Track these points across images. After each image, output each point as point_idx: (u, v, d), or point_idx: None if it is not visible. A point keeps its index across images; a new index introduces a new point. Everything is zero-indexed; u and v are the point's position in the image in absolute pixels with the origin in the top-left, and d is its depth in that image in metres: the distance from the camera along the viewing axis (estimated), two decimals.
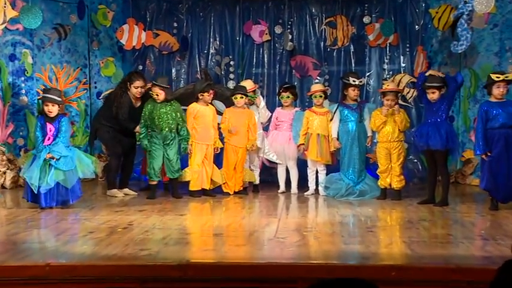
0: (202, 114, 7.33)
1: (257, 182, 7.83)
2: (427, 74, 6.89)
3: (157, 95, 7.14)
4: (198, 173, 7.28)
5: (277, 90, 8.50)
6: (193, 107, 7.36)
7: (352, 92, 7.42)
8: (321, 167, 7.55)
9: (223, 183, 7.52)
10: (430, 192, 6.76)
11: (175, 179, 7.22)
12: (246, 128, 7.53)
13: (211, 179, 7.39)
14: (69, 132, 6.81)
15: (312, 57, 9.23)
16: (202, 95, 7.35)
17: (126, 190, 7.47)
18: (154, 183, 7.18)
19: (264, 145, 7.71)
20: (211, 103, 7.56)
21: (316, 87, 7.75)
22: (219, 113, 7.81)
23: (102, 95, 8.93)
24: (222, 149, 7.52)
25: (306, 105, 8.11)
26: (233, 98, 7.51)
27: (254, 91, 7.83)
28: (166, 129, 7.11)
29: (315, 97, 7.56)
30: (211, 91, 7.40)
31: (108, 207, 6.48)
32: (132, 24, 8.88)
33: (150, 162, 7.15)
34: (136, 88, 7.39)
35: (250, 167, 7.78)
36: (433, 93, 6.63)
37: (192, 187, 7.31)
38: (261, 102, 7.84)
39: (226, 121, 7.48)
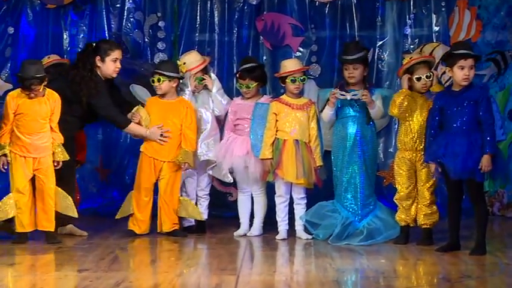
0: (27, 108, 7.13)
1: (204, 217, 7.87)
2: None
3: None
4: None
5: (234, 71, 8.62)
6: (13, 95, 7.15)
7: (346, 73, 7.52)
8: (299, 194, 7.58)
9: (130, 215, 7.59)
10: (453, 234, 6.90)
11: None
12: (178, 131, 7.58)
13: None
14: None
15: (291, 17, 9.28)
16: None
17: (70, 227, 7.69)
18: None
19: (220, 157, 7.77)
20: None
21: (292, 64, 7.69)
22: (141, 103, 7.94)
23: None
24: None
25: (282, 92, 8.09)
26: (150, 81, 7.63)
27: (205, 68, 7.89)
28: None
29: (292, 81, 7.55)
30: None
31: None
32: None
33: None
34: (114, 61, 7.61)
35: (197, 194, 7.84)
36: (471, 68, 6.69)
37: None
38: (215, 83, 7.88)
39: (144, 118, 7.52)
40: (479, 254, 6.63)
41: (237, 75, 7.89)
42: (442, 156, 6.69)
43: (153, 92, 7.87)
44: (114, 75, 7.69)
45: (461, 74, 6.64)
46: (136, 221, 7.56)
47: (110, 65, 7.63)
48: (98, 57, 7.61)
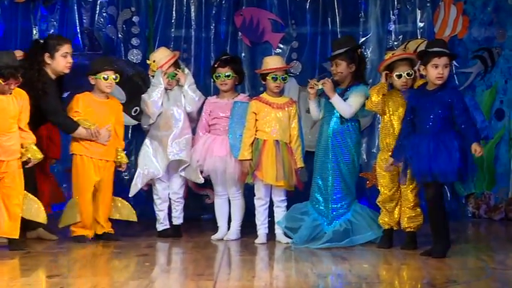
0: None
1: (178, 221, 7.88)
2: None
3: None
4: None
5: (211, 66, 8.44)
6: None
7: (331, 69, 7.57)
8: (279, 196, 7.57)
9: (75, 224, 7.51)
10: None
11: None
12: (113, 129, 7.59)
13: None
14: None
15: (271, 12, 9.30)
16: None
17: (39, 231, 7.65)
18: None
19: (192, 159, 7.76)
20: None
21: (274, 61, 7.67)
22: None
23: None
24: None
25: (261, 90, 8.11)
26: (99, 76, 7.49)
27: (176, 63, 7.85)
28: None
29: (273, 79, 7.52)
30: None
31: None
32: None
33: None
34: (64, 57, 7.54)
35: (170, 197, 7.82)
36: (445, 66, 6.68)
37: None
38: (188, 78, 7.84)
39: (78, 115, 7.46)
40: (438, 257, 6.60)
41: (215, 65, 7.82)
42: (409, 158, 6.69)
43: (130, 90, 8.02)
44: (66, 70, 7.60)
45: (435, 72, 6.63)
46: (86, 226, 7.50)
47: (60, 61, 7.54)
48: (47, 55, 7.53)
